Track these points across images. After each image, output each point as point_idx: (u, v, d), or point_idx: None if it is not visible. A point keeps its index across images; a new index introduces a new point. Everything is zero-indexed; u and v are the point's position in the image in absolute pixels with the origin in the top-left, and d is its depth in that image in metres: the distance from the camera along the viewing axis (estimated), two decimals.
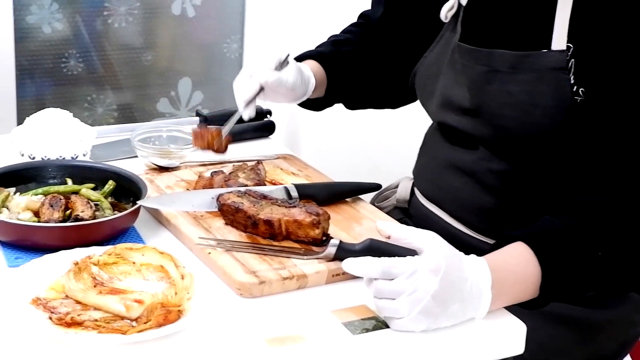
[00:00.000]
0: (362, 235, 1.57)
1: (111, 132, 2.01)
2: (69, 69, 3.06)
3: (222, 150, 1.76)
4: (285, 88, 1.75)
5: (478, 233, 1.69)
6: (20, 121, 2.93)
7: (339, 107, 2.02)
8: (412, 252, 1.35)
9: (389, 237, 1.37)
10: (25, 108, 3.00)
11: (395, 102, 2.02)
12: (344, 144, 3.17)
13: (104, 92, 3.16)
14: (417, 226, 1.77)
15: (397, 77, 1.93)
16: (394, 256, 1.34)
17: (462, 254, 1.37)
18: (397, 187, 1.92)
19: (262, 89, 1.72)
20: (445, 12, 1.71)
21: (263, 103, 2.02)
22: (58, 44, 3.03)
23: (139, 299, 1.30)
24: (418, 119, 2.02)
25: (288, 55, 1.77)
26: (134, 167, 1.81)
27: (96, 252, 1.43)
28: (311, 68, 1.85)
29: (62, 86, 3.08)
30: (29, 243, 1.47)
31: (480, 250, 1.61)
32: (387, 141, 3.18)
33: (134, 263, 1.42)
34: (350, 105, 2.00)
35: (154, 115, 3.26)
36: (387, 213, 1.82)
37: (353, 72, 1.92)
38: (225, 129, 1.75)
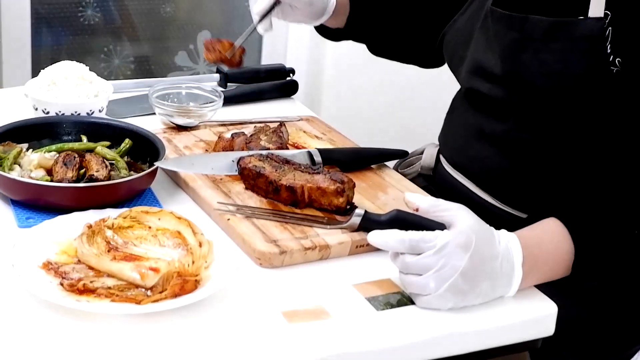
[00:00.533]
0: (388, 205, 1.51)
1: (128, 87, 1.94)
2: (86, 18, 2.99)
3: (235, 62, 1.70)
4: (302, 1, 1.69)
5: (506, 204, 1.62)
6: (35, 71, 2.89)
7: (362, 68, 1.96)
8: (441, 226, 1.29)
9: (417, 210, 1.31)
10: (40, 57, 2.93)
11: (421, 60, 1.94)
12: (367, 105, 3.10)
13: (121, 44, 3.09)
14: (442, 195, 1.70)
15: (424, 34, 1.85)
16: (422, 229, 1.28)
17: (492, 228, 1.31)
18: (421, 153, 1.85)
19: (277, 1, 1.67)
20: None
21: (284, 55, 1.96)
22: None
23: (155, 267, 1.25)
24: (445, 82, 1.95)
25: None
26: (152, 125, 1.74)
27: (111, 214, 1.37)
28: None
29: (78, 36, 3.02)
30: (41, 203, 1.41)
31: (507, 221, 1.57)
32: (412, 105, 3.10)
33: (149, 227, 1.36)
34: (373, 49, 1.93)
35: (171, 68, 3.19)
36: (411, 180, 1.75)
37: (378, 10, 1.85)
38: (239, 40, 1.70)
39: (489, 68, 1.58)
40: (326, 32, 1.88)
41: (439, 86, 2.11)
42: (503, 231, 1.32)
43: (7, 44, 2.80)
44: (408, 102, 3.06)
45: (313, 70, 2.87)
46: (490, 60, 1.58)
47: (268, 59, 3.18)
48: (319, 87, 3.02)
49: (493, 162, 1.61)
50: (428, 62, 1.94)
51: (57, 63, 1.71)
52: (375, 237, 1.27)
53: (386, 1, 1.86)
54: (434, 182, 1.79)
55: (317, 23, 1.81)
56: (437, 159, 1.80)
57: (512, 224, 1.52)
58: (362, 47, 1.92)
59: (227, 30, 3.22)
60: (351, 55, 2.00)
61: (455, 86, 1.76)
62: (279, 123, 1.66)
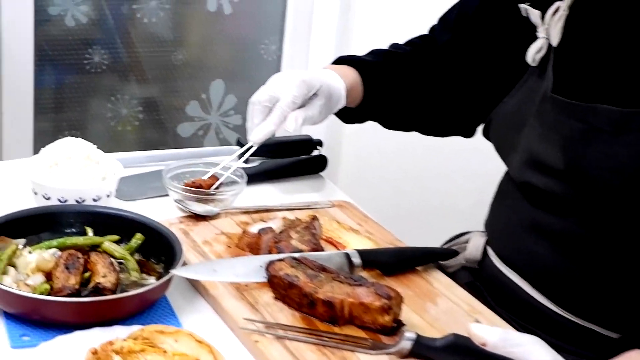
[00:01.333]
0: (439, 320, 1.31)
1: (139, 162, 1.74)
2: (92, 65, 2.80)
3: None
4: (307, 123, 1.55)
5: (563, 309, 1.43)
6: (38, 110, 2.70)
7: (392, 135, 1.77)
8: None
9: (484, 345, 1.11)
10: (43, 98, 2.75)
11: (444, 131, 1.75)
12: (396, 179, 2.88)
13: (130, 92, 2.89)
14: (490, 294, 1.52)
15: (454, 109, 1.67)
16: (484, 358, 1.09)
17: None
18: (466, 242, 1.64)
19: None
20: (533, 55, 1.44)
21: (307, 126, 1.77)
22: (82, 37, 2.77)
23: None
24: (487, 155, 1.75)
25: (321, 87, 1.55)
26: (166, 210, 1.55)
27: (119, 334, 1.17)
28: (350, 82, 1.63)
29: (84, 81, 2.82)
30: (38, 318, 1.21)
31: (565, 328, 1.41)
32: (447, 172, 2.86)
33: (164, 352, 1.16)
34: (388, 125, 1.74)
35: (182, 119, 3.00)
36: (453, 274, 1.55)
37: (396, 90, 1.69)
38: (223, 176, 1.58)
39: (548, 161, 1.39)
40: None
41: (483, 158, 1.90)
42: None
43: (7, 79, 2.61)
44: (440, 168, 2.84)
45: (331, 140, 2.67)
46: (548, 152, 1.38)
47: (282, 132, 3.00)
48: (339, 157, 2.82)
49: (551, 261, 1.42)
50: (451, 132, 1.75)
51: (59, 140, 1.50)
52: None
53: (411, 77, 1.68)
54: (481, 277, 1.59)
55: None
56: (485, 251, 1.60)
57: (570, 331, 1.39)
58: None
59: (241, 79, 3.03)
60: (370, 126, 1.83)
61: (501, 164, 1.56)
62: (311, 218, 1.46)
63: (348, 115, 1.71)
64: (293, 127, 1.51)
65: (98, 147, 1.52)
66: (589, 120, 1.32)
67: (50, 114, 2.81)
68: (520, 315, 1.47)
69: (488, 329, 1.11)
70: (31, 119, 2.73)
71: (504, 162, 1.54)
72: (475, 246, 1.61)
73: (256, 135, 1.53)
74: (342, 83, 1.59)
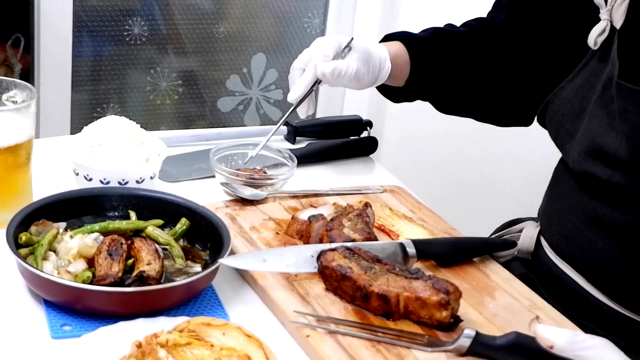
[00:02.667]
0: (497, 316, 1.24)
1: (183, 141, 1.68)
2: (132, 37, 2.74)
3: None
4: (347, 79, 1.51)
5: (624, 307, 1.36)
6: (76, 82, 2.65)
7: (431, 114, 1.70)
8: None
9: (551, 347, 1.04)
10: (80, 69, 2.69)
11: (501, 119, 1.68)
12: (441, 163, 2.80)
13: (169, 65, 2.84)
14: (544, 287, 1.45)
15: (509, 95, 1.59)
16: (547, 358, 1.04)
17: None
18: (520, 231, 1.57)
19: (319, 81, 1.51)
20: (595, 37, 1.36)
21: (350, 105, 1.72)
22: (121, 7, 2.71)
23: None
24: (542, 140, 1.67)
25: (351, 39, 1.53)
26: (211, 192, 1.49)
27: (164, 326, 1.12)
28: (395, 51, 1.58)
29: (123, 53, 2.76)
30: (80, 308, 1.16)
31: (625, 327, 1.35)
32: (501, 162, 2.77)
33: (212, 346, 1.10)
34: (441, 108, 1.67)
35: (222, 93, 2.94)
36: (505, 264, 1.48)
37: (446, 69, 1.61)
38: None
39: (611, 151, 1.31)
40: (385, 90, 1.65)
41: (533, 137, 1.83)
42: None
43: (46, 50, 2.56)
44: (489, 152, 2.75)
45: (375, 120, 2.60)
46: (612, 142, 1.31)
47: (325, 110, 2.94)
48: (382, 138, 2.74)
49: (611, 256, 1.35)
50: (507, 121, 1.68)
51: (102, 119, 1.45)
52: None
53: (462, 58, 1.60)
54: (534, 269, 1.51)
55: (373, 86, 1.60)
56: (538, 241, 1.53)
57: (628, 327, 1.36)
58: None
59: (284, 53, 2.96)
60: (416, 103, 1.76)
61: (556, 151, 1.49)
62: (363, 205, 1.40)
63: (396, 94, 1.64)
64: (325, 71, 1.47)
65: (136, 121, 1.46)
66: None
67: (88, 86, 2.76)
68: (575, 310, 1.40)
69: (556, 330, 1.05)
70: (69, 91, 2.68)
71: (560, 150, 1.46)
72: (528, 236, 1.54)
73: (293, 94, 1.51)
74: (384, 49, 1.56)
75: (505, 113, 1.66)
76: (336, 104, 2.99)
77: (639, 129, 1.27)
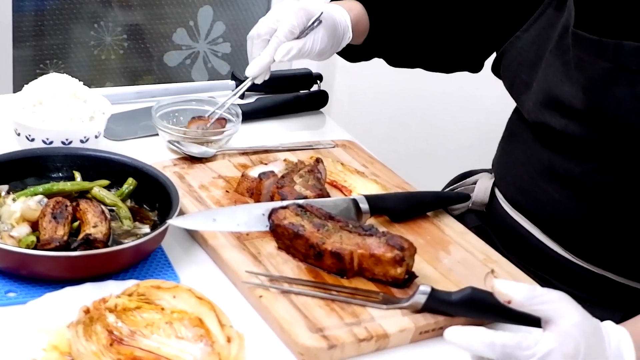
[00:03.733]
0: (453, 271, 1.23)
1: (128, 98, 1.64)
2: None
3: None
4: (310, 55, 1.44)
5: (579, 258, 1.36)
6: (17, 37, 2.57)
7: (381, 68, 1.66)
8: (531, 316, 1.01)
9: (509, 302, 1.02)
10: (22, 24, 2.62)
11: (450, 66, 1.64)
12: (391, 112, 2.76)
13: (114, 19, 2.77)
14: (497, 238, 1.44)
15: (461, 42, 1.56)
16: (504, 314, 1.04)
17: (599, 324, 1.03)
18: (474, 183, 1.55)
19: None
20: None
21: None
22: None
23: None
24: (495, 90, 1.65)
25: (321, 13, 1.43)
26: (159, 151, 1.45)
27: (113, 290, 1.09)
28: (355, 16, 1.51)
29: (66, 8, 2.69)
30: (25, 273, 1.12)
31: (580, 277, 1.35)
32: (446, 112, 2.73)
33: (162, 309, 1.08)
34: (393, 62, 1.63)
35: (169, 47, 2.88)
36: (459, 217, 1.47)
37: (403, 25, 1.57)
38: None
39: (567, 101, 1.29)
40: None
41: (485, 88, 1.81)
42: (610, 324, 1.05)
43: None
44: (440, 108, 2.72)
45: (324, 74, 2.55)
46: (568, 92, 1.29)
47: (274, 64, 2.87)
48: (332, 92, 2.70)
49: (567, 207, 1.34)
50: (456, 67, 1.64)
51: (44, 77, 1.40)
52: (456, 336, 0.99)
53: (417, 10, 1.56)
54: (489, 222, 1.50)
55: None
56: (492, 193, 1.51)
57: (583, 279, 1.35)
58: None
59: (231, 5, 2.90)
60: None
61: (503, 92, 1.47)
62: (315, 160, 1.37)
63: (352, 53, 1.60)
64: (281, 57, 1.40)
65: (81, 78, 1.41)
66: (615, 58, 1.23)
67: (30, 42, 2.69)
68: (531, 262, 1.40)
69: (513, 285, 1.03)
70: (10, 47, 2.60)
71: (515, 101, 1.45)
72: (482, 188, 1.53)
73: (252, 69, 1.43)
74: (347, 15, 1.48)
75: (456, 60, 1.63)
76: None
77: (595, 79, 1.25)
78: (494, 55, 1.52)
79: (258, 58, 1.42)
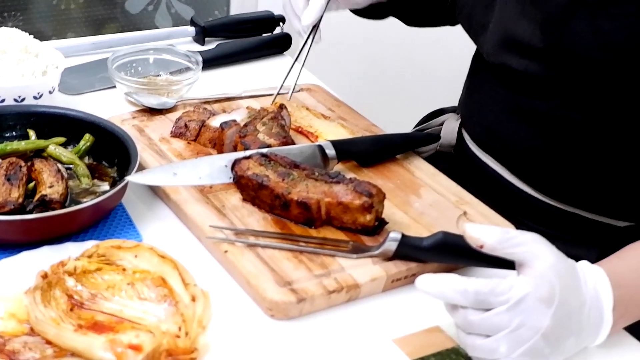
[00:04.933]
0: (424, 214, 1.19)
1: (84, 49, 1.58)
2: None
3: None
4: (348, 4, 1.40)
5: (548, 196, 1.33)
6: None
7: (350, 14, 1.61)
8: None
9: (481, 247, 0.99)
10: None
11: (434, 21, 1.59)
12: (360, 58, 2.69)
13: None
14: (467, 180, 1.40)
15: None
16: (477, 257, 1.00)
17: (575, 264, 1.01)
18: (441, 124, 1.51)
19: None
20: None
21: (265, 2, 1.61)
22: None
23: (136, 344, 0.93)
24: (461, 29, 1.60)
25: None
26: (117, 104, 1.41)
27: (72, 253, 1.05)
28: None
29: None
30: None
31: (551, 215, 1.32)
32: (413, 56, 2.67)
33: (124, 270, 1.04)
34: (409, 21, 1.59)
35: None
36: (428, 159, 1.43)
37: None
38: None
39: (525, 40, 1.25)
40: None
41: (447, 30, 1.76)
42: (585, 264, 1.03)
43: None
44: (408, 48, 2.66)
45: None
46: (525, 30, 1.25)
47: (239, 7, 2.78)
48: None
49: (532, 144, 1.31)
50: (441, 21, 1.59)
51: None
52: (427, 284, 0.97)
53: None
54: (457, 164, 1.47)
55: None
56: (459, 134, 1.47)
57: (551, 217, 1.32)
58: None
59: None
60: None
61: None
62: (279, 106, 1.32)
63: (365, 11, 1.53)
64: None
65: (42, 29, 1.35)
66: None
67: None
68: (501, 203, 1.36)
69: (485, 229, 1.00)
70: None
71: (474, 42, 1.40)
72: (450, 129, 1.49)
73: (309, 15, 1.34)
74: None
75: (431, 14, 1.58)
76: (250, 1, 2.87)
77: (551, 14, 1.21)
78: None
79: (312, 4, 1.35)
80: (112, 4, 2.79)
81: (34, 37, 1.36)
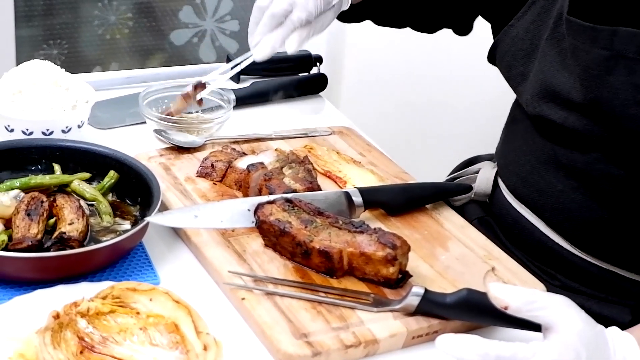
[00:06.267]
0: (450, 268, 1.16)
1: (117, 83, 1.57)
2: None
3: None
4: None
5: (584, 252, 1.29)
6: (19, 17, 2.50)
7: (389, 55, 1.58)
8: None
9: (506, 308, 0.96)
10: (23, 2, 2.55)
11: (435, 24, 1.54)
12: (398, 100, 2.66)
13: None
14: (502, 231, 1.36)
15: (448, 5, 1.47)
16: (501, 318, 0.97)
17: (604, 330, 0.97)
18: (476, 172, 1.47)
19: None
20: None
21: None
22: None
23: None
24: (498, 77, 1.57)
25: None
26: (146, 140, 1.39)
27: (85, 293, 1.03)
28: None
29: None
30: None
31: (585, 271, 1.28)
32: (453, 101, 2.62)
33: (137, 313, 1.02)
34: (380, 20, 1.51)
35: (175, 25, 2.80)
36: (461, 208, 1.40)
37: None
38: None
39: (565, 93, 1.22)
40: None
41: (489, 76, 1.72)
42: (615, 331, 0.99)
43: None
44: (447, 98, 2.61)
45: (332, 57, 2.44)
46: (565, 82, 1.21)
47: None
48: (340, 79, 2.59)
49: (569, 197, 1.27)
50: (440, 25, 1.54)
51: (24, 64, 1.34)
52: (448, 345, 0.93)
53: None
54: (491, 213, 1.43)
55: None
56: (495, 183, 1.43)
57: (588, 274, 1.28)
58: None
59: None
60: (374, 40, 1.59)
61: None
62: (304, 157, 1.30)
63: (344, 15, 1.49)
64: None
65: (87, 58, 1.34)
66: (611, 46, 1.15)
67: (32, 22, 2.62)
68: (535, 256, 1.33)
69: (510, 290, 0.96)
70: (12, 27, 2.54)
71: (514, 91, 1.37)
72: (485, 178, 1.45)
73: (263, 51, 1.28)
74: None
75: (441, 18, 1.52)
76: None
77: (591, 68, 1.18)
78: (488, 40, 1.43)
79: (270, 38, 1.28)
80: (157, 35, 2.80)
81: (78, 66, 1.35)
